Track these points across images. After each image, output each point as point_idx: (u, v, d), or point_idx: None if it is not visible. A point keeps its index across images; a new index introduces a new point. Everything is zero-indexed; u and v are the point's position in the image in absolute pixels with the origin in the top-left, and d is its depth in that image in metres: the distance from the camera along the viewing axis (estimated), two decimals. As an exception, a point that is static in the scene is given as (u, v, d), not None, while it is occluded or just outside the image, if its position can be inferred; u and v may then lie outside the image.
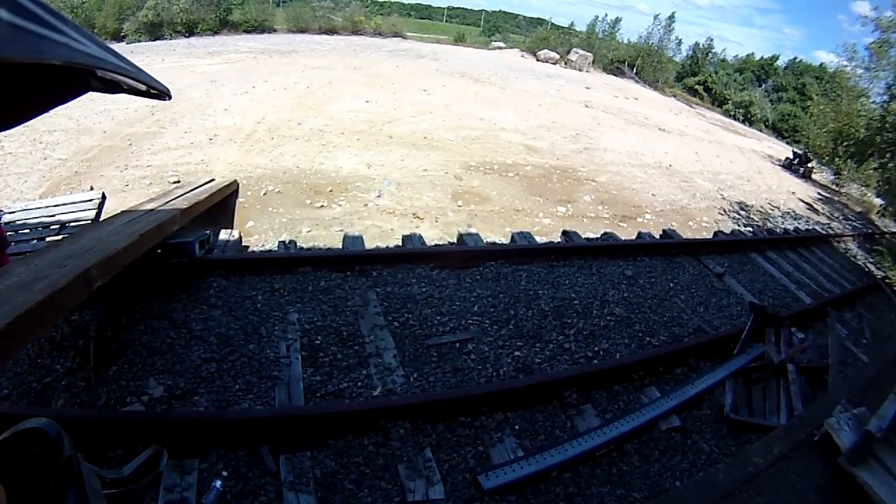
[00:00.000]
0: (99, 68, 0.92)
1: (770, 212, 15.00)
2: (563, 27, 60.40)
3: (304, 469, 3.19)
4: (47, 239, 5.99)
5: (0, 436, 1.32)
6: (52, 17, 0.79)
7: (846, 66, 18.77)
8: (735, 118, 44.25)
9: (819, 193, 20.45)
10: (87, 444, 3.07)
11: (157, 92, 1.24)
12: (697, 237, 10.06)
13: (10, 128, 1.08)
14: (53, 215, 6.51)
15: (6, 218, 6.51)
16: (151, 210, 5.53)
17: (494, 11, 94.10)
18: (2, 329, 2.32)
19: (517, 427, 3.86)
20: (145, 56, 23.56)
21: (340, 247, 6.62)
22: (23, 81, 0.97)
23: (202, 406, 3.61)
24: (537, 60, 41.30)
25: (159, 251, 4.98)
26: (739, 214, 13.68)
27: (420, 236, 7.06)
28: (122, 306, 4.52)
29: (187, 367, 3.93)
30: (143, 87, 1.18)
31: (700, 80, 50.78)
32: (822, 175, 24.23)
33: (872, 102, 18.06)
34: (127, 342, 4.13)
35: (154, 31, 35.22)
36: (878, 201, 20.40)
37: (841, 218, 17.41)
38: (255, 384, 3.87)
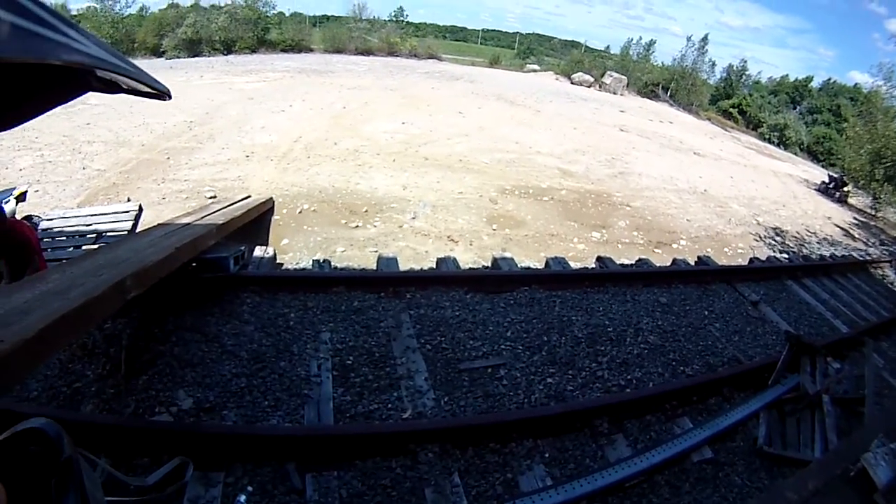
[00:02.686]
0: (99, 68, 0.92)
1: (806, 237, 14.81)
2: (597, 50, 60.77)
3: (331, 489, 3.16)
4: (83, 247, 6.07)
5: (0, 436, 1.32)
6: (52, 17, 0.79)
7: (881, 85, 18.51)
8: (770, 141, 43.90)
9: (855, 218, 20.12)
10: (114, 450, 3.09)
11: (157, 92, 1.24)
12: (733, 264, 9.94)
13: (10, 127, 1.08)
14: (90, 224, 6.60)
15: (44, 225, 6.62)
16: (188, 224, 5.58)
17: (529, 34, 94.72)
18: (35, 333, 2.33)
19: (547, 455, 3.79)
20: (183, 72, 24.01)
21: (374, 267, 6.62)
22: (23, 81, 0.97)
23: (231, 420, 3.60)
24: (572, 83, 41.39)
25: (194, 265, 5.01)
26: (775, 240, 13.53)
27: (454, 259, 7.03)
28: (156, 317, 4.55)
29: (217, 381, 3.93)
30: (143, 87, 1.18)
31: (734, 102, 50.51)
32: (859, 199, 23.80)
33: None
34: (158, 353, 4.15)
35: (193, 47, 35.99)
36: (917, 226, 20.04)
37: (878, 243, 17.09)
38: (284, 401, 3.86)
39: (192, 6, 40.86)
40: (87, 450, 1.97)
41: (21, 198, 6.86)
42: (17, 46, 0.69)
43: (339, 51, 40.30)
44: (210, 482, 3.04)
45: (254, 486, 3.10)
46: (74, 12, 41.62)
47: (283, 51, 38.19)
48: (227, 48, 36.82)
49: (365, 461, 3.41)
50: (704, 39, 50.12)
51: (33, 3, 0.75)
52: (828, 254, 12.98)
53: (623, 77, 43.42)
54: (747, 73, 56.15)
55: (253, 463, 3.23)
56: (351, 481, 3.26)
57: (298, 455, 3.32)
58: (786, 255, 11.66)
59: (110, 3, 39.83)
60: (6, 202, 5.93)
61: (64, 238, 6.42)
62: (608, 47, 62.57)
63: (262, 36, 39.08)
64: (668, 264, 8.46)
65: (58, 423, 1.35)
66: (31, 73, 0.95)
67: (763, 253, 11.47)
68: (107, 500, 1.42)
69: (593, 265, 7.92)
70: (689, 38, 50.88)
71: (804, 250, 13.24)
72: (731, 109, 50.08)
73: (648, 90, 46.23)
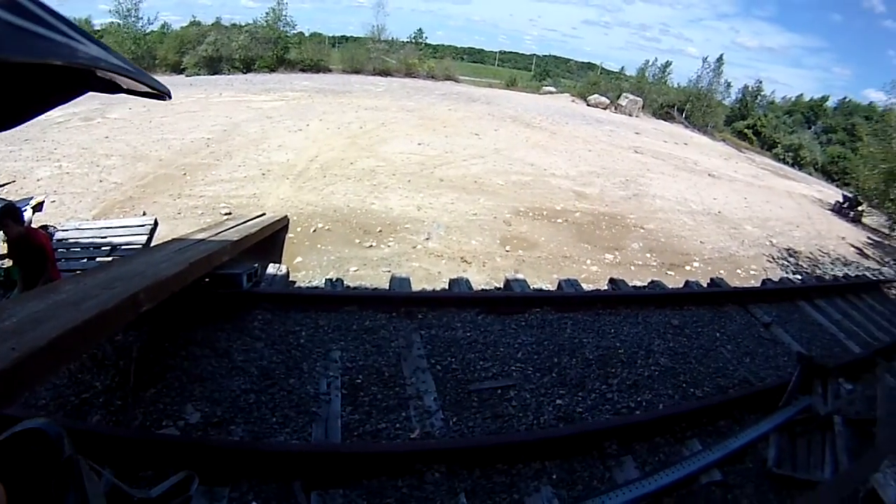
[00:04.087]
0: (99, 68, 0.93)
1: (819, 258, 14.69)
2: (613, 72, 60.53)
3: (336, 507, 3.15)
4: (98, 259, 6.12)
5: (0, 436, 1.33)
6: (52, 17, 0.80)
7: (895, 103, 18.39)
8: (785, 162, 43.71)
9: (869, 238, 19.90)
10: (119, 462, 3.10)
11: (158, 92, 1.25)
12: (745, 285, 9.85)
13: (10, 127, 1.09)
14: (105, 237, 6.66)
15: (59, 235, 6.68)
16: (202, 240, 5.63)
17: (546, 56, 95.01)
18: (47, 343, 2.36)
19: (554, 476, 3.77)
20: (203, 89, 24.27)
21: (387, 287, 6.64)
22: (23, 81, 0.98)
23: (238, 435, 3.62)
24: (587, 105, 41.40)
25: (207, 280, 5.06)
26: (788, 261, 13.44)
27: (467, 280, 7.05)
28: (167, 331, 4.59)
29: (226, 396, 3.95)
30: (142, 88, 1.19)
31: (749, 123, 50.40)
32: (873, 218, 23.56)
33: None
34: (168, 366, 4.19)
35: (213, 65, 36.36)
36: (931, 245, 19.82)
37: (892, 262, 16.91)
38: (292, 418, 3.87)
39: (213, 24, 41.54)
40: (93, 460, 1.99)
41: (38, 208, 6.95)
42: (17, 46, 0.70)
43: (357, 71, 40.58)
44: (215, 497, 3.05)
45: (258, 501, 3.11)
46: (98, 27, 42.36)
47: (302, 70, 38.51)
48: (247, 67, 37.20)
49: (371, 480, 3.41)
50: (720, 60, 50.15)
51: (33, 4, 0.77)
52: (841, 274, 12.91)
53: (639, 99, 43.41)
54: (762, 93, 56.06)
55: (259, 479, 3.24)
56: (357, 500, 3.26)
57: (305, 472, 3.32)
58: (799, 276, 11.61)
59: (133, 19, 40.47)
60: (24, 211, 5.99)
61: (79, 249, 6.49)
62: (624, 69, 62.38)
63: (281, 55, 39.46)
64: (681, 286, 8.43)
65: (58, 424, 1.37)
66: (31, 73, 0.96)
67: (776, 274, 11.40)
68: None
69: (606, 287, 7.91)
70: (704, 60, 50.93)
71: (817, 271, 13.15)
72: (745, 130, 49.97)
73: (664, 112, 46.17)
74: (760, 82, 56.32)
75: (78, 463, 1.39)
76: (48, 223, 7.13)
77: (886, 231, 22.01)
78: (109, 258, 6.07)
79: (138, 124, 15.21)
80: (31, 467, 1.30)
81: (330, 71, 40.35)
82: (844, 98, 59.51)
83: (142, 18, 40.96)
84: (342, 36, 62.08)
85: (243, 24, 41.19)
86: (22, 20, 0.71)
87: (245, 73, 36.10)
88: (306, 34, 47.97)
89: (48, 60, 0.77)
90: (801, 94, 60.06)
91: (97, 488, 1.53)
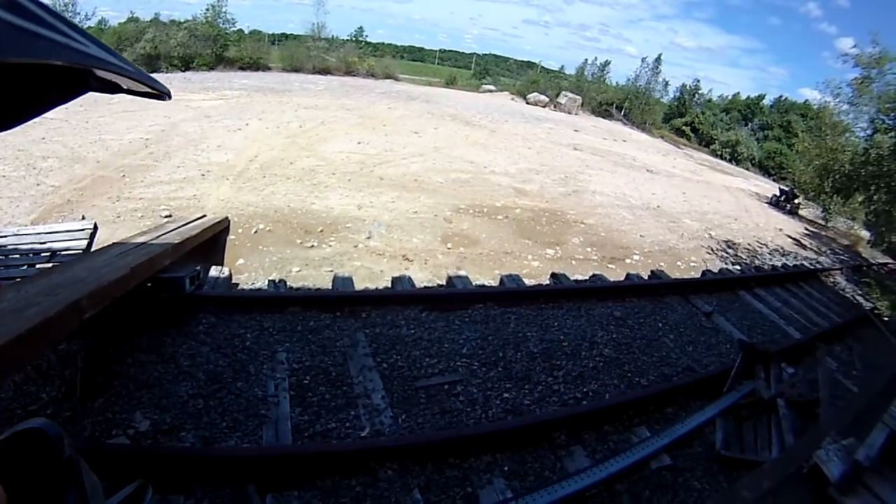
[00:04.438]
0: (99, 68, 0.93)
1: (758, 249, 15.15)
2: (553, 70, 61.27)
3: (291, 509, 3.16)
4: (38, 266, 5.96)
5: (0, 436, 1.32)
6: (52, 17, 0.80)
7: (829, 102, 19.06)
8: (722, 158, 44.98)
9: (806, 229, 20.74)
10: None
11: (157, 92, 1.25)
12: (686, 277, 10.10)
13: (10, 128, 1.09)
14: (45, 242, 6.47)
15: None
16: (143, 243, 5.54)
17: (485, 54, 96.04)
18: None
19: (506, 468, 3.83)
20: (140, 89, 23.69)
21: (330, 287, 6.64)
22: (23, 81, 0.98)
23: (189, 442, 3.58)
24: (527, 103, 41.79)
25: (150, 285, 4.98)
26: (727, 253, 13.80)
27: (410, 278, 7.08)
28: (111, 338, 4.51)
29: (174, 403, 3.91)
30: (143, 88, 1.19)
31: (687, 120, 51.68)
32: (809, 210, 24.63)
33: (856, 137, 18.36)
34: (114, 374, 4.11)
35: (151, 63, 35.45)
36: (865, 234, 20.67)
37: (829, 252, 17.62)
38: (242, 422, 3.85)
39: (152, 21, 40.48)
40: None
41: None
42: (17, 46, 0.70)
43: (297, 69, 40.11)
44: (169, 505, 3.02)
45: (213, 507, 3.09)
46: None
47: (241, 68, 37.84)
48: (186, 65, 36.37)
49: (325, 480, 3.41)
50: (658, 60, 51.40)
51: (33, 3, 0.77)
52: (780, 264, 13.33)
53: (578, 97, 44.02)
54: (700, 91, 57.46)
55: (212, 485, 3.22)
56: (312, 501, 3.26)
57: (258, 476, 3.32)
58: (738, 267, 11.94)
59: (70, 15, 39.28)
60: None
61: (17, 256, 6.29)
62: (563, 67, 63.23)
63: (220, 53, 38.66)
64: (622, 279, 8.61)
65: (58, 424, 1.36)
66: (30, 73, 0.96)
67: (716, 266, 11.70)
68: None
69: (548, 281, 8.04)
70: (643, 59, 52.06)
71: (756, 261, 13.56)
72: (683, 127, 51.20)
73: (603, 110, 46.94)
74: (698, 81, 57.89)
75: (78, 463, 1.38)
76: (-16, 230, 6.92)
77: (822, 222, 22.93)
78: (50, 264, 5.92)
79: (75, 124, 14.77)
80: (31, 467, 1.29)
81: (269, 69, 39.75)
82: (780, 96, 61.16)
83: (79, 14, 39.89)
84: (282, 34, 61.52)
85: (182, 20, 40.34)
86: (22, 20, 0.71)
87: (184, 71, 35.29)
88: (246, 32, 47.25)
89: (48, 60, 0.77)
90: (738, 93, 61.71)
91: (97, 489, 1.52)
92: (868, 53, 15.36)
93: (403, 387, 4.59)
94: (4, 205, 9.34)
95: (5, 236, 6.72)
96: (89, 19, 40.84)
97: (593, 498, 3.71)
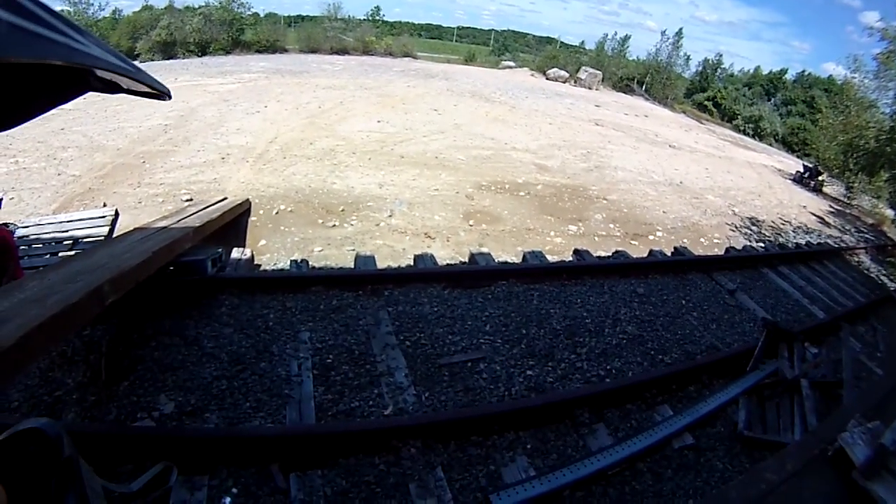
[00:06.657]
0: (99, 68, 0.92)
1: (781, 226, 14.97)
2: (572, 46, 60.77)
3: (315, 487, 3.17)
4: (60, 254, 6.02)
5: (0, 436, 1.33)
6: (52, 17, 0.80)
7: (854, 77, 18.72)
8: (745, 133, 44.35)
9: (830, 206, 20.37)
10: (97, 458, 3.06)
11: (158, 92, 1.24)
12: (709, 254, 10.01)
13: (10, 127, 1.08)
14: (66, 231, 6.53)
15: (20, 232, 6.54)
16: (164, 228, 5.55)
17: (504, 31, 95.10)
18: (14, 342, 2.32)
19: (529, 446, 3.82)
20: (158, 74, 23.11)
21: (352, 266, 6.62)
22: (23, 81, 0.97)
23: (213, 423, 3.61)
24: (547, 79, 41.39)
25: (171, 269, 5.00)
26: (751, 230, 13.67)
27: (432, 256, 7.05)
28: (134, 323, 4.53)
29: (198, 384, 3.93)
30: (142, 87, 1.18)
31: (709, 95, 51.02)
32: (833, 188, 24.20)
33: (882, 113, 18.00)
34: (138, 358, 4.14)
35: (167, 50, 35.65)
36: (890, 213, 20.32)
37: (853, 230, 17.34)
38: (266, 402, 3.86)
39: (166, 8, 40.48)
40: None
41: None
42: (17, 46, 0.69)
43: (314, 51, 40.04)
44: (195, 486, 3.04)
45: (238, 487, 3.11)
46: (47, 15, 41.28)
47: (258, 52, 37.85)
48: (202, 50, 36.47)
49: (348, 459, 3.42)
50: (679, 34, 50.58)
51: (33, 3, 0.76)
52: (803, 242, 13.11)
53: (598, 72, 43.54)
54: (722, 66, 56.75)
55: (237, 465, 3.24)
56: (335, 479, 3.27)
57: (281, 455, 3.33)
58: (762, 245, 11.75)
59: (84, 6, 39.56)
60: None
61: (40, 245, 6.35)
62: (583, 43, 62.75)
63: (236, 37, 38.72)
64: (645, 255, 8.53)
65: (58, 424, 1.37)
66: (31, 73, 0.95)
67: (739, 243, 11.58)
68: None
69: (570, 258, 7.98)
70: (663, 33, 51.43)
71: (780, 239, 13.36)
72: (705, 102, 50.58)
73: (623, 85, 46.45)
74: (720, 55, 57.42)
75: (78, 463, 1.39)
76: (8, 221, 6.97)
77: (846, 200, 22.52)
78: (72, 252, 5.96)
79: (93, 114, 14.88)
80: (31, 467, 1.30)
81: (286, 51, 39.73)
82: (803, 71, 60.42)
83: (93, 5, 40.16)
84: (298, 15, 61.60)
85: (197, 6, 40.30)
86: (22, 20, 0.71)
87: (200, 56, 35.37)
88: (261, 14, 47.28)
89: (48, 60, 0.77)
90: (759, 67, 60.82)
91: (97, 488, 1.53)
92: (894, 26, 15.01)
93: (426, 365, 4.58)
94: (27, 196, 9.44)
95: (28, 226, 6.78)
96: (103, 10, 41.18)
97: (616, 476, 3.69)
